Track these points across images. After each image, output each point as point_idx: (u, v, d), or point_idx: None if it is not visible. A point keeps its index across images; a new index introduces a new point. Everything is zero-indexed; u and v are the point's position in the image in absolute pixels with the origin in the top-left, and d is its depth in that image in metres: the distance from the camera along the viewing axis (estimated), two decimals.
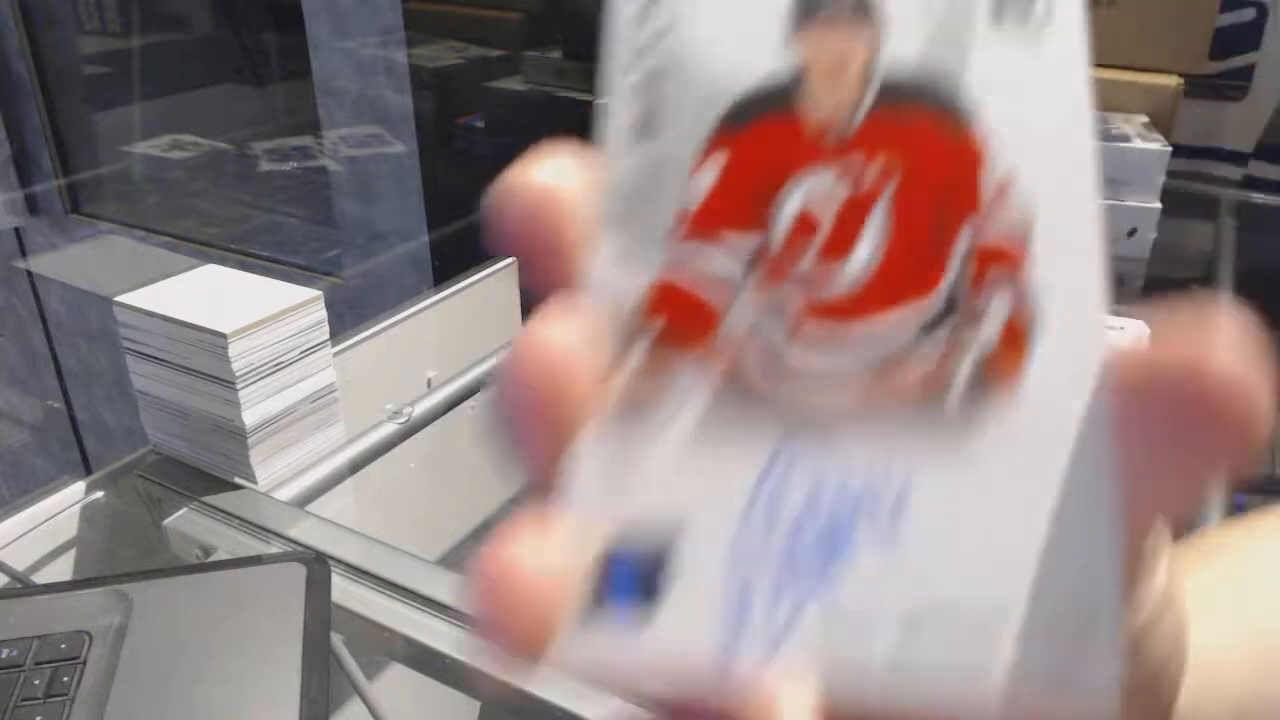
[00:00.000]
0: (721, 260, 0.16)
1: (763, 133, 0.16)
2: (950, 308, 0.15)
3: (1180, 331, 0.14)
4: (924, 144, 0.16)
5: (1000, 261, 0.15)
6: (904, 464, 0.15)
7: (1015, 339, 0.15)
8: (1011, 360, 0.15)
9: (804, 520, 0.15)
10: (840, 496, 0.15)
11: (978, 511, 0.15)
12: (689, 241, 0.16)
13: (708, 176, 0.16)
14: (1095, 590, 0.14)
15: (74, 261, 1.75)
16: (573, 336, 0.15)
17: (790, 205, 0.16)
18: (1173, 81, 1.18)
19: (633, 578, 0.15)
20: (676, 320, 0.16)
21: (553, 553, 0.14)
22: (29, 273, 1.78)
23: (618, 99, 0.16)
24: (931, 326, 0.15)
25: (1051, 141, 0.15)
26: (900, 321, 0.15)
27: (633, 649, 0.15)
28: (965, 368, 0.15)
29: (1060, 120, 0.16)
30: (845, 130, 0.16)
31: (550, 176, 0.15)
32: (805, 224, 0.16)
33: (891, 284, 0.16)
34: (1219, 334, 0.13)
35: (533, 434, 0.15)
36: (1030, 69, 0.16)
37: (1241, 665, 0.22)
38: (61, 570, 0.65)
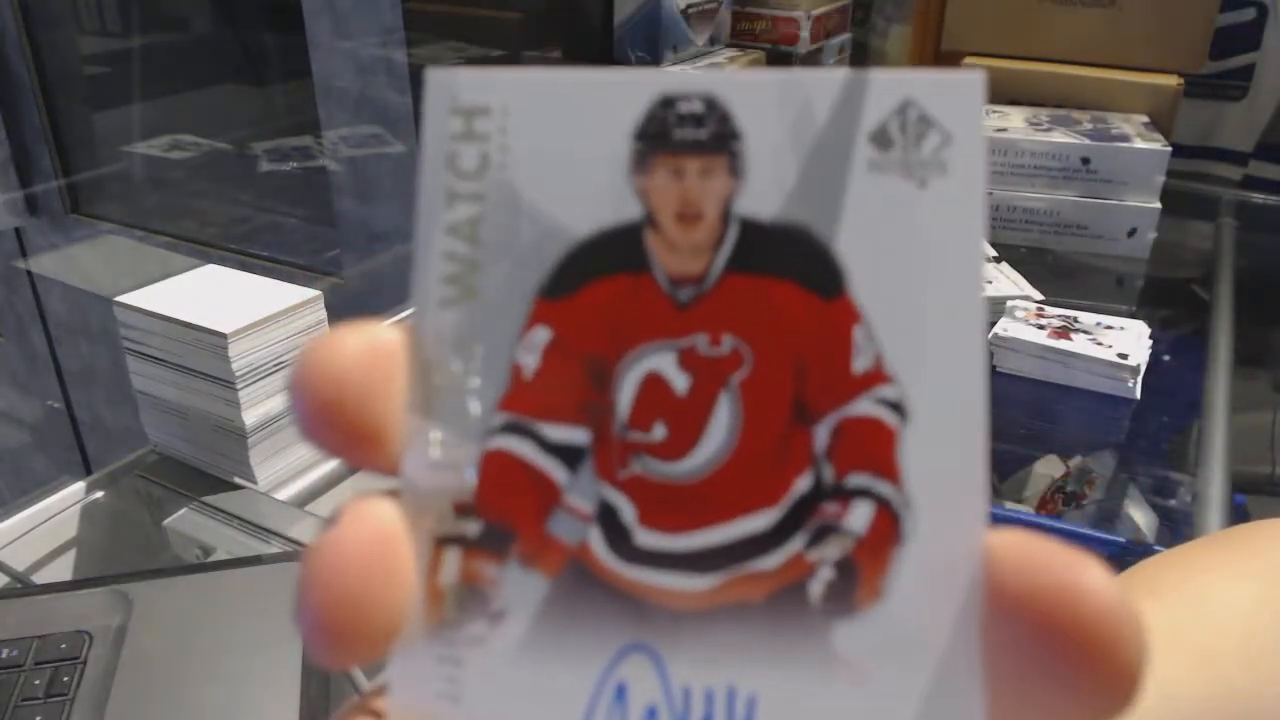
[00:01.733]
0: (548, 451, 0.14)
1: (600, 295, 0.14)
2: (812, 504, 0.14)
3: (1055, 554, 0.12)
4: (785, 315, 0.14)
5: (867, 457, 0.14)
6: (756, 669, 0.14)
7: (880, 543, 0.13)
8: (875, 567, 0.13)
9: None
10: (689, 700, 0.14)
11: (831, 718, 0.13)
12: (510, 431, 0.14)
13: (534, 347, 0.14)
14: None
15: (74, 261, 1.75)
16: (384, 535, 0.13)
17: (628, 387, 0.14)
18: (1173, 81, 1.18)
19: None
20: (498, 517, 0.14)
21: None
22: (29, 273, 1.78)
23: (431, 245, 0.14)
24: (790, 522, 0.14)
25: (933, 318, 0.14)
26: (755, 516, 0.14)
27: None
28: (826, 569, 0.14)
29: (946, 295, 0.14)
30: (695, 293, 0.14)
31: (352, 357, 0.13)
32: (645, 409, 0.14)
33: (745, 477, 0.14)
34: (1093, 564, 0.12)
35: (336, 650, 0.13)
36: (914, 227, 0.14)
37: (1181, 703, 0.23)
38: (61, 570, 0.65)
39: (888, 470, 0.14)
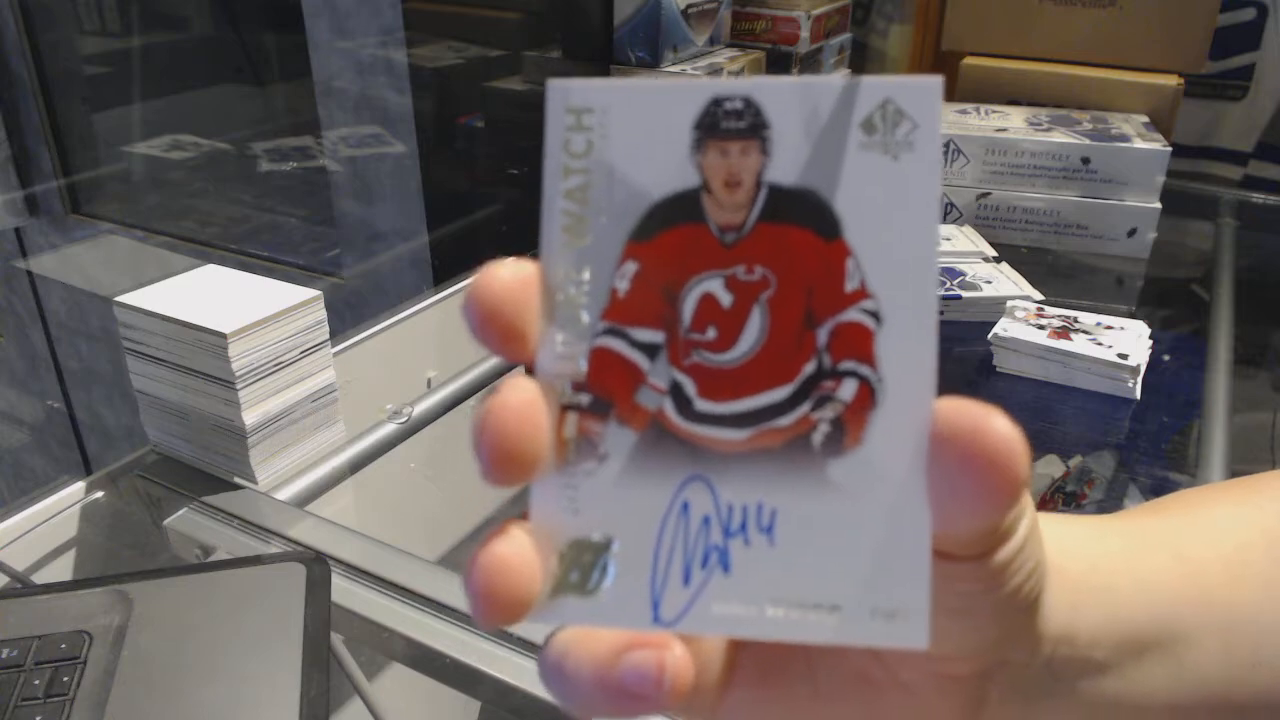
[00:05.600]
0: (635, 346, 0.20)
1: (671, 239, 0.20)
2: (815, 381, 0.19)
3: (975, 408, 0.18)
4: (799, 252, 0.19)
5: (853, 350, 0.19)
6: (777, 491, 0.19)
7: (862, 405, 0.19)
8: (858, 420, 0.19)
9: (704, 528, 0.20)
10: (731, 512, 0.20)
11: (827, 523, 0.19)
12: (610, 333, 0.20)
13: (626, 275, 0.20)
14: (909, 570, 0.19)
15: (74, 261, 1.75)
16: (529, 401, 0.19)
17: (690, 302, 0.20)
18: (1173, 81, 1.18)
19: (585, 567, 0.20)
20: (602, 391, 0.20)
21: (525, 552, 0.20)
22: (29, 273, 1.78)
23: (553, 205, 0.20)
24: (800, 394, 0.19)
25: (902, 254, 0.19)
26: (777, 390, 0.20)
27: (587, 613, 0.20)
28: (824, 425, 0.19)
29: (911, 236, 0.19)
30: (736, 237, 0.20)
31: (504, 283, 0.19)
32: (702, 318, 0.20)
33: (770, 363, 0.20)
34: (998, 415, 0.18)
35: (500, 472, 0.19)
36: (889, 190, 0.19)
37: (1156, 594, 0.26)
38: (61, 570, 0.65)
39: (868, 358, 0.19)
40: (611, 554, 0.20)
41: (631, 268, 0.20)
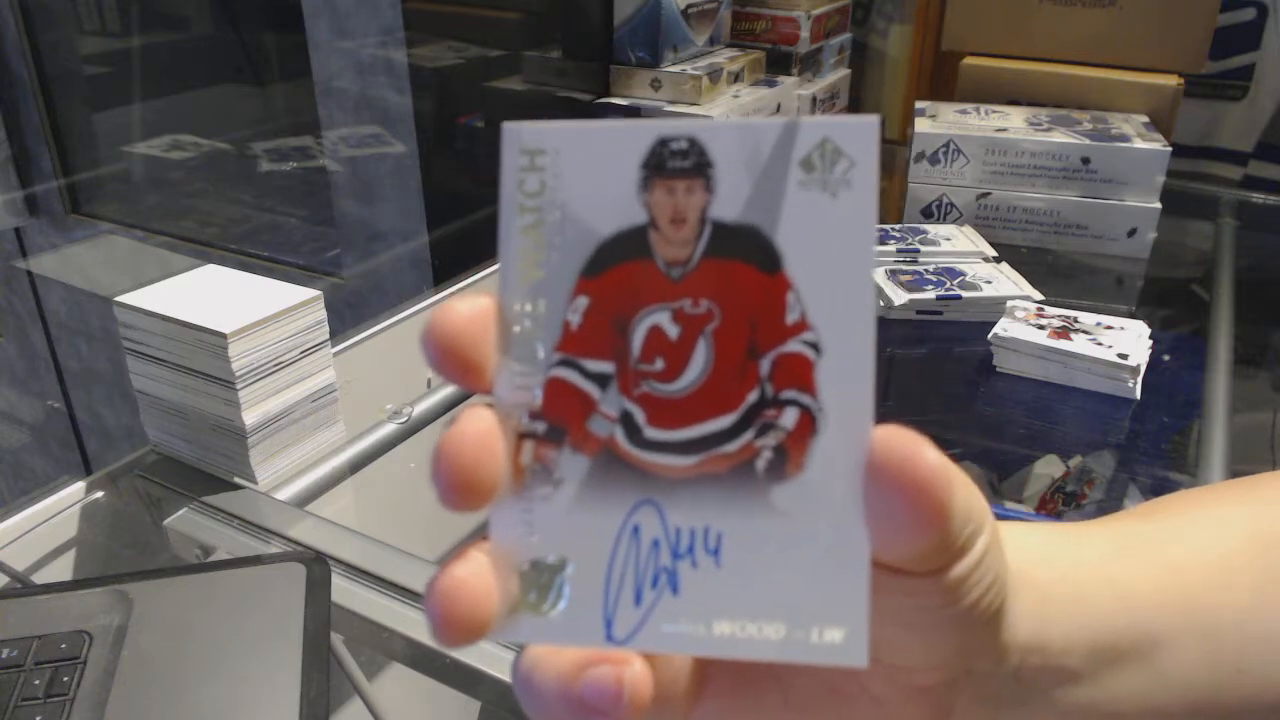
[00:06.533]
0: (587, 377, 0.21)
1: (620, 274, 0.21)
2: (758, 410, 0.20)
3: (908, 438, 0.19)
4: (742, 286, 0.20)
5: (794, 379, 0.20)
6: (722, 514, 0.20)
7: (803, 433, 0.20)
8: (800, 447, 0.20)
9: (654, 551, 0.20)
10: (679, 535, 0.20)
11: (771, 546, 0.20)
12: (563, 364, 0.21)
13: (578, 309, 0.21)
14: (848, 591, 0.19)
15: (74, 261, 1.75)
16: (486, 430, 0.20)
17: (639, 334, 0.21)
18: (1173, 81, 1.18)
19: (542, 587, 0.21)
20: (556, 420, 0.21)
21: (483, 574, 0.20)
22: (29, 273, 1.78)
23: (509, 243, 0.21)
24: (744, 422, 0.20)
25: (840, 287, 0.20)
26: (722, 418, 0.20)
27: (544, 631, 0.20)
28: (767, 451, 0.20)
29: (848, 270, 0.20)
30: (683, 272, 0.21)
31: (462, 317, 0.20)
32: (650, 349, 0.21)
33: (715, 393, 0.21)
34: (931, 448, 0.19)
35: (457, 498, 0.20)
36: (828, 226, 0.20)
37: (1136, 602, 0.26)
38: (61, 570, 0.65)
39: (808, 388, 0.20)
40: (566, 575, 0.21)
41: (583, 302, 0.21)
